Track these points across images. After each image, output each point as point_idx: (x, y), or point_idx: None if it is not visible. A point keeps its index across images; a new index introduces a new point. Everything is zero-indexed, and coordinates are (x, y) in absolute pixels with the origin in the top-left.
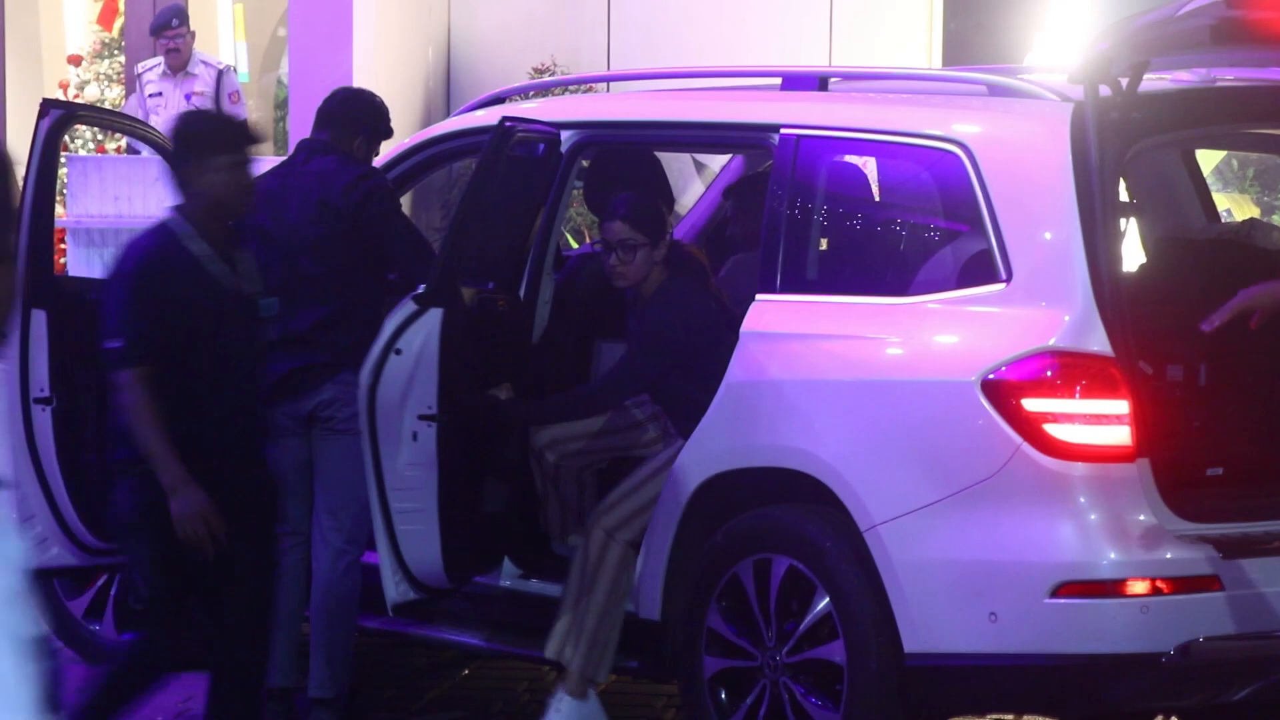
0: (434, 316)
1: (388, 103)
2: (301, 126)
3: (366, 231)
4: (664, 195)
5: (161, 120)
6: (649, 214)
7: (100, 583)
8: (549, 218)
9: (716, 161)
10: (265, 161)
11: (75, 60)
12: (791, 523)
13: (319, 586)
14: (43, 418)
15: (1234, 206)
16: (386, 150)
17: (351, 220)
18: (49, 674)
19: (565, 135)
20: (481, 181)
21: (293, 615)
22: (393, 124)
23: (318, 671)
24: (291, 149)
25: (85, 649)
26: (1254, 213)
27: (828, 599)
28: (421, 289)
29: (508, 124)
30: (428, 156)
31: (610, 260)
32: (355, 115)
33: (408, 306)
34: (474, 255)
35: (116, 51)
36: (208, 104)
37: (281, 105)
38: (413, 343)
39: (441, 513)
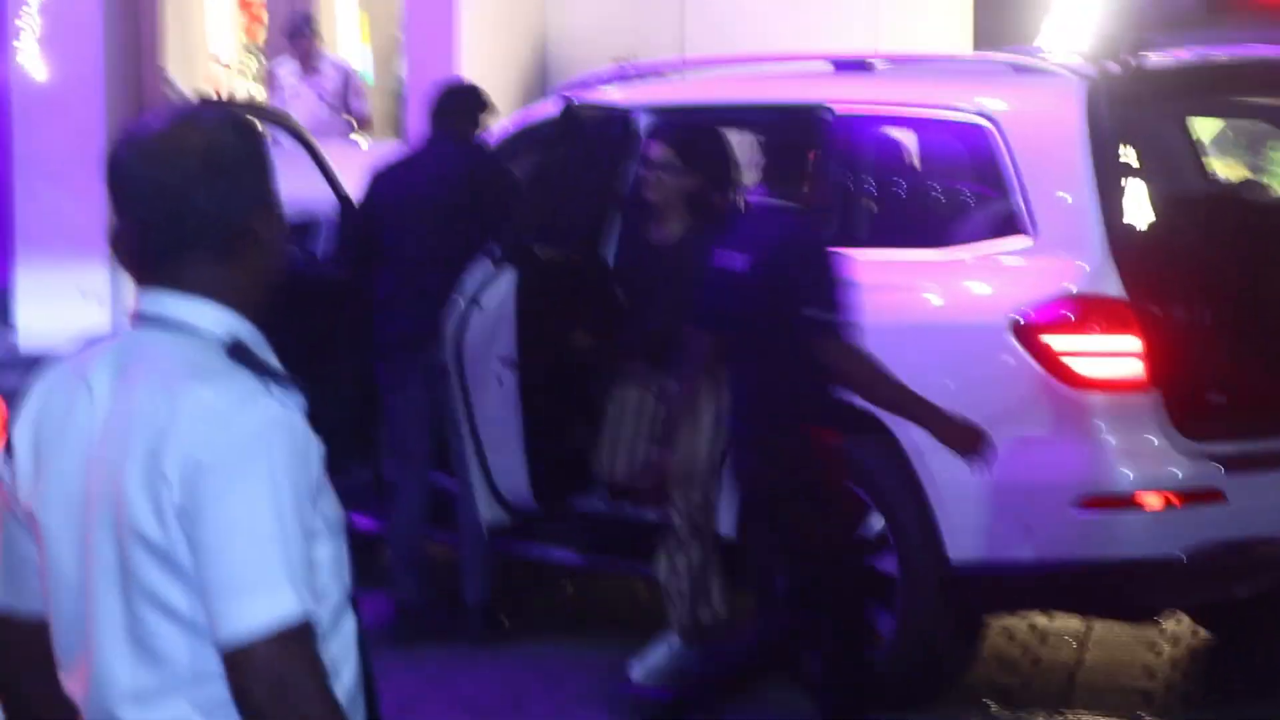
0: (509, 275)
1: (491, 92)
2: (418, 117)
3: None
4: (730, 171)
5: (294, 114)
6: (690, 145)
7: None
8: (631, 189)
9: None
10: (385, 146)
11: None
12: (850, 451)
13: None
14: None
15: (1228, 170)
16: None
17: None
18: None
19: (641, 118)
20: (548, 156)
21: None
22: (497, 108)
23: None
24: (410, 138)
25: None
26: (1245, 175)
27: (882, 518)
28: (498, 251)
29: (572, 104)
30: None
31: (647, 174)
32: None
33: (486, 266)
34: (547, 221)
35: (257, 53)
36: (336, 100)
37: (399, 101)
38: (492, 298)
39: (527, 446)
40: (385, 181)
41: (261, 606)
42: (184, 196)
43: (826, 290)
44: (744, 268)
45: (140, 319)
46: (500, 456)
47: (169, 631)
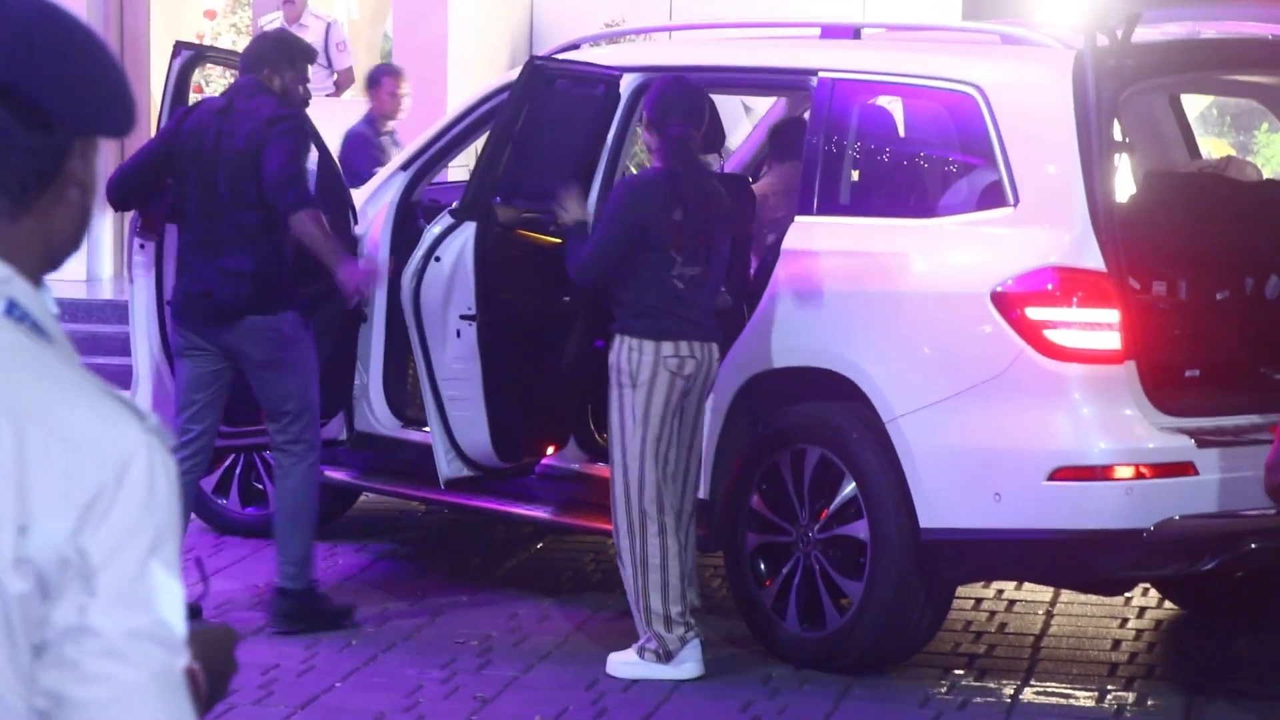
0: (468, 229)
1: (481, 53)
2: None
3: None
4: (715, 133)
5: None
6: (651, 97)
7: (228, 463)
8: (615, 149)
9: (762, 105)
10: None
11: (210, 15)
12: (824, 417)
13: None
14: None
15: (1213, 148)
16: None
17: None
18: None
19: (629, 79)
20: (511, 114)
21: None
22: (484, 70)
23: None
24: None
25: (213, 520)
26: (1230, 153)
27: (854, 484)
28: (457, 204)
29: (537, 63)
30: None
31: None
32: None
33: (445, 220)
34: (511, 178)
35: (246, 7)
36: (318, 53)
37: (386, 57)
38: (450, 251)
39: (488, 400)
40: (190, 125)
41: None
42: None
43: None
44: None
45: None
46: (461, 411)
47: None
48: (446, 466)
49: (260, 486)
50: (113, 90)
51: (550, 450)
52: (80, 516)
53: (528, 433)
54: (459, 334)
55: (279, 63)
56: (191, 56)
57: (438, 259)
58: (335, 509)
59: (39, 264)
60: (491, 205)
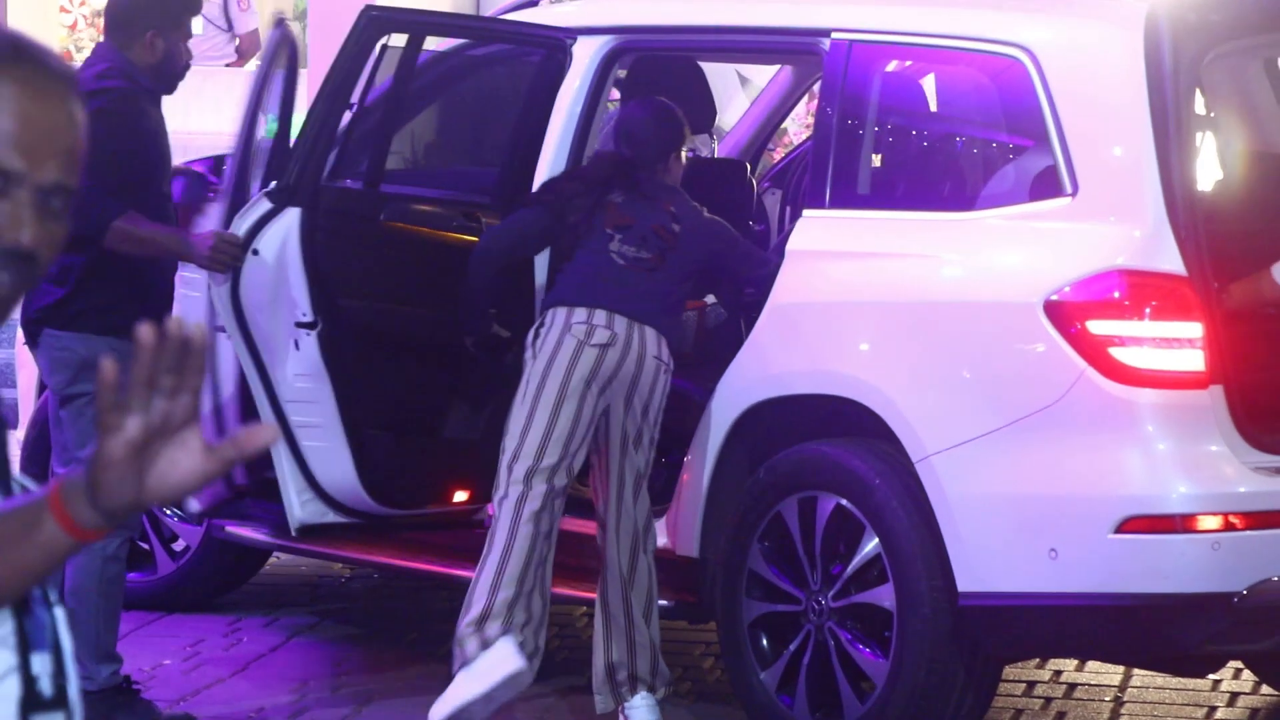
0: (291, 215)
1: (412, 6)
2: (320, 36)
3: None
4: (706, 109)
5: None
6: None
7: None
8: (580, 129)
9: (762, 76)
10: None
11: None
12: (839, 458)
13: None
14: None
15: None
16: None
17: None
18: None
19: (599, 41)
20: (342, 77)
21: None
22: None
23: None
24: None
25: None
26: None
27: (877, 539)
28: (273, 185)
29: (372, 14)
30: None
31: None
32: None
33: (261, 204)
34: (347, 155)
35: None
36: (218, 17)
37: (300, 16)
38: (271, 243)
39: (347, 427)
40: None
41: None
42: None
43: None
44: None
45: None
46: (316, 441)
47: None
48: (300, 509)
49: (146, 547)
50: None
51: (463, 496)
52: None
53: (414, 470)
54: (297, 345)
55: (144, 20)
56: None
57: (255, 252)
58: (240, 573)
59: None
60: (320, 186)
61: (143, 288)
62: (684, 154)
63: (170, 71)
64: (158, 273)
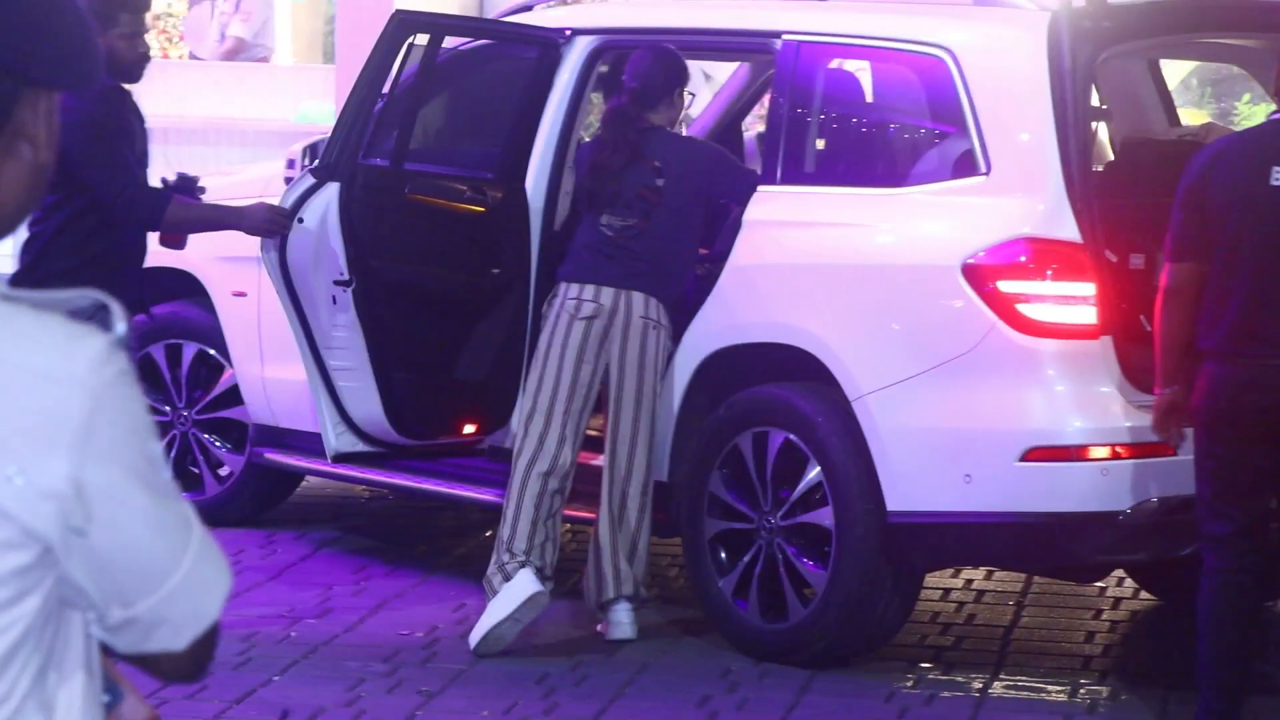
0: (332, 189)
1: (430, 8)
2: (347, 39)
3: None
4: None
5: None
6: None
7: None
8: (568, 116)
9: (723, 72)
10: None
11: None
12: (787, 398)
13: None
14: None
15: (1193, 119)
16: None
17: None
18: None
19: (584, 41)
20: (375, 71)
21: None
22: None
23: None
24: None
25: None
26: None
27: (819, 468)
28: (318, 163)
29: (401, 17)
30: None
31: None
32: None
33: (305, 180)
34: (378, 137)
35: None
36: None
37: (330, 21)
38: (314, 213)
39: (376, 370)
40: None
41: None
42: None
43: None
44: None
45: None
46: (350, 381)
47: None
48: (335, 440)
49: (195, 471)
50: (69, 42)
51: (471, 429)
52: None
53: (431, 406)
54: (335, 300)
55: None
56: None
57: (300, 220)
58: (276, 494)
59: None
60: (356, 165)
61: (108, 255)
62: (685, 93)
63: (117, 66)
64: (124, 240)
